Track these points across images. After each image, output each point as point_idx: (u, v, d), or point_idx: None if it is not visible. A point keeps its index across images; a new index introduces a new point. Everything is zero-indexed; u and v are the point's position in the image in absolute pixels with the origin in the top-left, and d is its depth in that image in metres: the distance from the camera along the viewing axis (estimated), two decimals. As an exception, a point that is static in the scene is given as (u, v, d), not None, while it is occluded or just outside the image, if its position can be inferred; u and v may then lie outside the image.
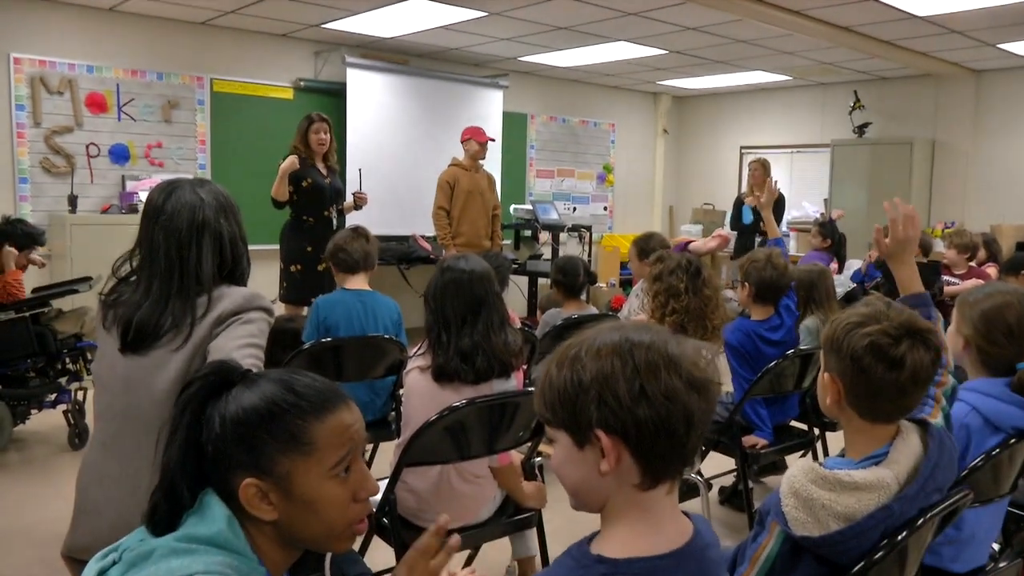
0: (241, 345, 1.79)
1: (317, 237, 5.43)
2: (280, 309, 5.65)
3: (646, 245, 4.68)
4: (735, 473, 3.56)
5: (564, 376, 1.12)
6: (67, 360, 4.73)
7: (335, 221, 5.78)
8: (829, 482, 1.45)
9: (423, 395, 2.50)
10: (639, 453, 1.09)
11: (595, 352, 1.11)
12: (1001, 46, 7.21)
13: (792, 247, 8.23)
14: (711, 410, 1.11)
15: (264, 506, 1.16)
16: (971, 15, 6.15)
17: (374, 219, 7.41)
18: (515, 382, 2.60)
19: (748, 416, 3.47)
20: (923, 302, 1.94)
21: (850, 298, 5.74)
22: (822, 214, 9.07)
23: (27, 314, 4.50)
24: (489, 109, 8.53)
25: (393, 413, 3.62)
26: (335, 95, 7.60)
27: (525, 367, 3.18)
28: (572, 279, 4.25)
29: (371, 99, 7.73)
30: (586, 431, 1.10)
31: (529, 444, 2.67)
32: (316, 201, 5.57)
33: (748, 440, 3.43)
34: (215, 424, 1.14)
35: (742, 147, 10.41)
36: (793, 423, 3.76)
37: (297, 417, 1.15)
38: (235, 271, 1.96)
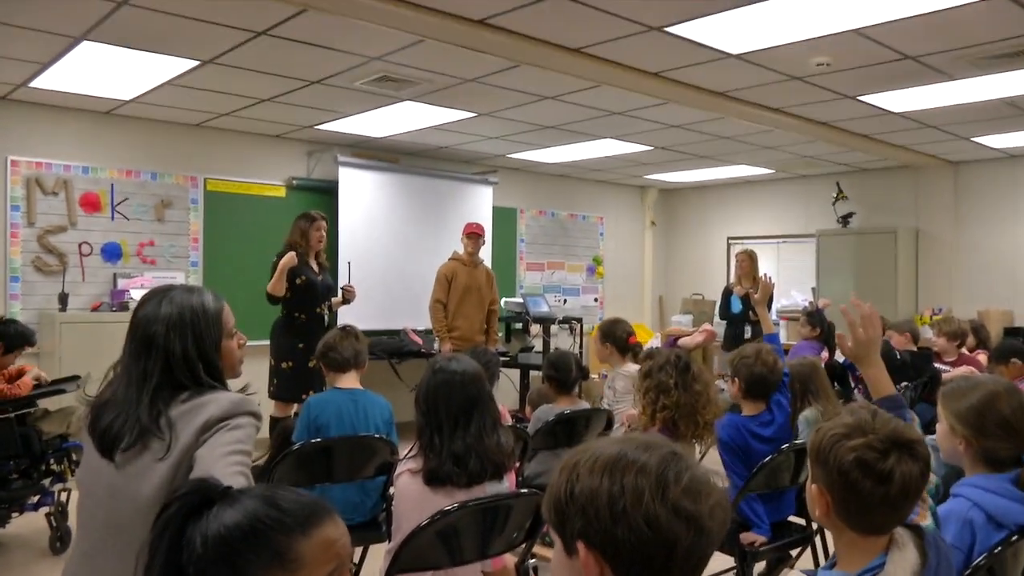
0: (227, 453, 1.76)
1: (309, 334, 5.43)
2: (271, 406, 5.60)
3: (609, 329, 4.70)
4: (734, 573, 3.47)
5: (560, 483, 1.13)
6: (51, 461, 4.63)
7: (327, 318, 5.80)
8: None
9: (414, 499, 2.45)
10: (618, 572, 1.08)
11: (590, 465, 1.12)
12: (975, 139, 7.41)
13: (782, 336, 8.25)
14: (704, 544, 1.09)
15: None
16: (944, 111, 6.34)
17: (366, 313, 7.42)
18: (508, 483, 2.56)
19: (744, 513, 3.41)
20: (896, 404, 1.92)
21: (839, 377, 5.71)
22: (810, 303, 9.13)
23: (12, 414, 4.43)
24: (479, 204, 8.66)
25: (384, 514, 3.55)
26: (327, 192, 7.71)
27: (517, 466, 3.14)
28: (565, 374, 4.23)
29: (362, 196, 7.84)
30: (571, 541, 1.10)
31: (523, 546, 2.61)
32: (309, 298, 5.62)
33: (746, 537, 3.36)
34: (196, 545, 1.10)
35: (729, 238, 10.54)
36: (792, 518, 3.69)
37: (281, 533, 1.11)
38: (213, 374, 1.93)
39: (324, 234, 5.73)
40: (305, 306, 5.61)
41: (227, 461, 1.74)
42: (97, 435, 1.84)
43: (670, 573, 1.07)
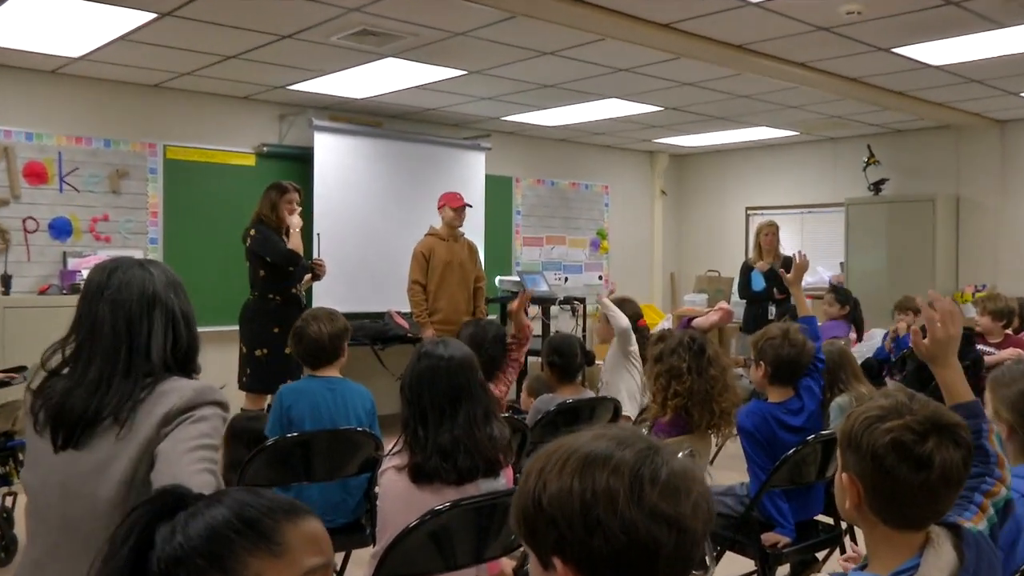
0: (192, 448, 1.76)
1: (285, 317, 5.44)
2: (241, 399, 5.60)
3: (620, 306, 4.72)
4: (755, 576, 3.50)
5: (527, 490, 1.12)
6: (-6, 462, 4.63)
7: (303, 299, 5.81)
8: None
9: (400, 498, 2.46)
10: None
11: (560, 466, 1.11)
12: None
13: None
14: (689, 544, 1.09)
15: None
16: (990, 63, 6.32)
17: (346, 294, 7.42)
18: (505, 480, 2.57)
19: (767, 510, 3.43)
20: (974, 412, 1.85)
21: (871, 372, 5.73)
22: (838, 279, 9.15)
23: (-49, 411, 4.43)
24: (471, 173, 8.64)
25: (367, 515, 3.56)
26: (301, 161, 7.68)
27: (515, 461, 3.15)
28: (568, 360, 4.24)
29: (340, 164, 7.81)
30: (545, 555, 1.10)
31: (522, 549, 2.62)
32: (284, 278, 5.62)
33: (768, 538, 3.38)
34: (175, 542, 1.12)
35: (748, 208, 10.54)
36: (819, 517, 3.71)
37: (269, 517, 1.15)
38: (188, 355, 1.94)
39: (297, 207, 5.73)
40: (280, 286, 5.62)
41: (192, 457, 1.74)
42: (67, 425, 1.83)
43: None
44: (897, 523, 1.54)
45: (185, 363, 1.94)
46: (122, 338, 1.87)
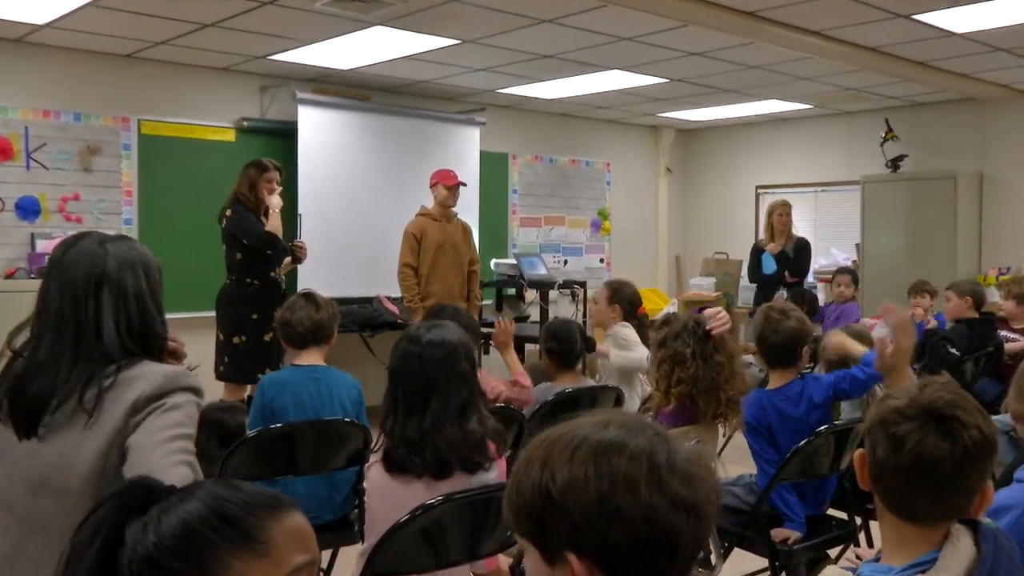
0: (167, 439, 1.76)
1: (264, 302, 5.44)
2: (218, 390, 5.60)
3: (620, 287, 4.72)
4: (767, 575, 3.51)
5: (533, 481, 1.11)
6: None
7: (283, 284, 5.80)
8: None
9: (379, 491, 2.51)
10: None
11: (569, 455, 1.10)
12: (1051, 66, 7.39)
13: (821, 300, 8.28)
14: (703, 532, 1.10)
15: None
16: (1017, 31, 6.30)
17: (332, 278, 7.41)
18: (496, 473, 2.58)
19: (775, 504, 3.44)
20: None
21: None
22: (854, 262, 9.16)
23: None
24: (464, 149, 8.62)
25: (356, 511, 3.57)
26: (284, 136, 7.66)
27: (510, 454, 3.16)
28: (567, 346, 4.24)
29: (326, 140, 7.79)
30: (555, 550, 1.09)
31: (519, 545, 2.62)
32: (262, 261, 5.62)
33: (778, 534, 3.39)
34: (146, 541, 1.10)
35: (758, 186, 10.53)
36: (832, 511, 3.72)
37: (250, 514, 1.13)
38: (146, 338, 1.93)
39: (277, 186, 5.73)
40: (258, 270, 5.62)
41: (166, 449, 1.74)
42: (21, 409, 1.83)
43: (673, 570, 1.08)
44: (897, 511, 1.59)
45: (145, 346, 1.93)
46: (67, 318, 1.87)
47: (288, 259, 5.99)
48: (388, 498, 2.43)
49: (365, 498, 2.63)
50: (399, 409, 2.52)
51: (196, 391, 1.89)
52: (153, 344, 1.94)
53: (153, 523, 1.11)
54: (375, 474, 2.54)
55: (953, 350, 5.44)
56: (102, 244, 1.94)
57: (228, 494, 1.15)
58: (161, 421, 1.79)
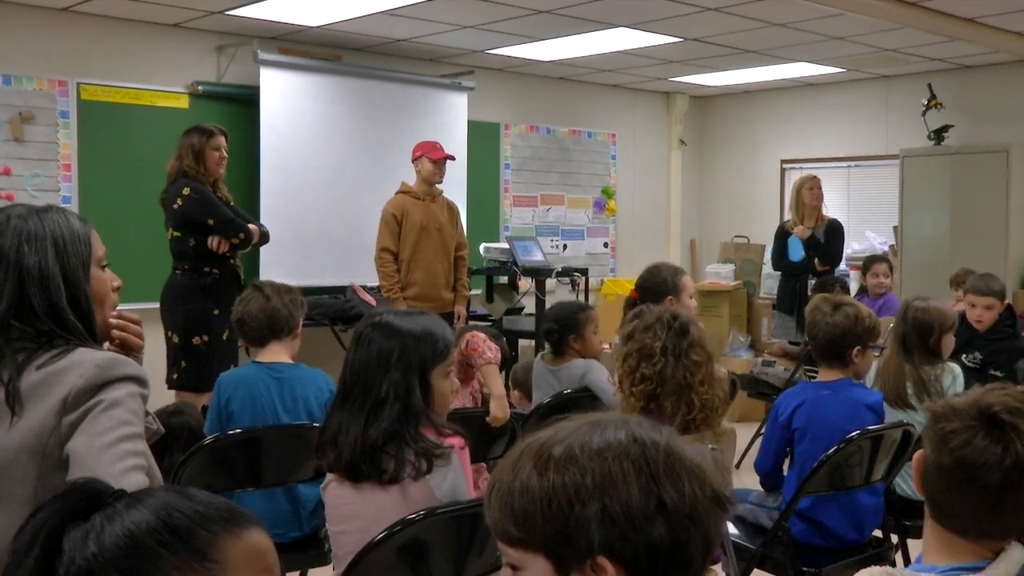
0: (112, 442, 1.75)
1: (224, 295, 5.41)
2: (167, 399, 5.54)
3: (652, 280, 4.70)
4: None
5: (552, 480, 1.13)
6: None
7: (242, 273, 5.74)
8: None
9: (329, 490, 2.61)
10: None
11: (596, 451, 1.13)
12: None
13: (853, 290, 8.29)
14: (722, 530, 1.17)
15: None
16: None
17: (299, 266, 7.40)
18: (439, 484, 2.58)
19: (805, 523, 3.49)
20: None
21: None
22: (891, 247, 9.17)
23: None
24: (450, 118, 8.61)
25: (325, 528, 3.58)
26: (244, 102, 7.65)
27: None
28: (571, 327, 4.32)
29: (292, 107, 7.78)
30: (579, 556, 1.11)
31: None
32: (225, 236, 5.56)
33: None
34: (86, 551, 1.11)
35: (783, 161, 10.53)
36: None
37: (203, 528, 1.14)
38: (58, 321, 1.92)
39: (225, 153, 5.64)
40: (218, 257, 5.57)
41: (114, 454, 1.73)
42: None
43: (702, 571, 1.13)
44: (940, 518, 1.62)
45: (68, 331, 1.91)
46: None
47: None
48: (329, 493, 2.58)
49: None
50: (338, 392, 2.63)
51: (138, 380, 1.88)
52: (72, 328, 1.93)
53: (95, 532, 1.11)
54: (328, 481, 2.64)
55: None
56: (9, 219, 1.95)
57: (180, 504, 1.15)
58: (102, 422, 1.78)
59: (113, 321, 2.08)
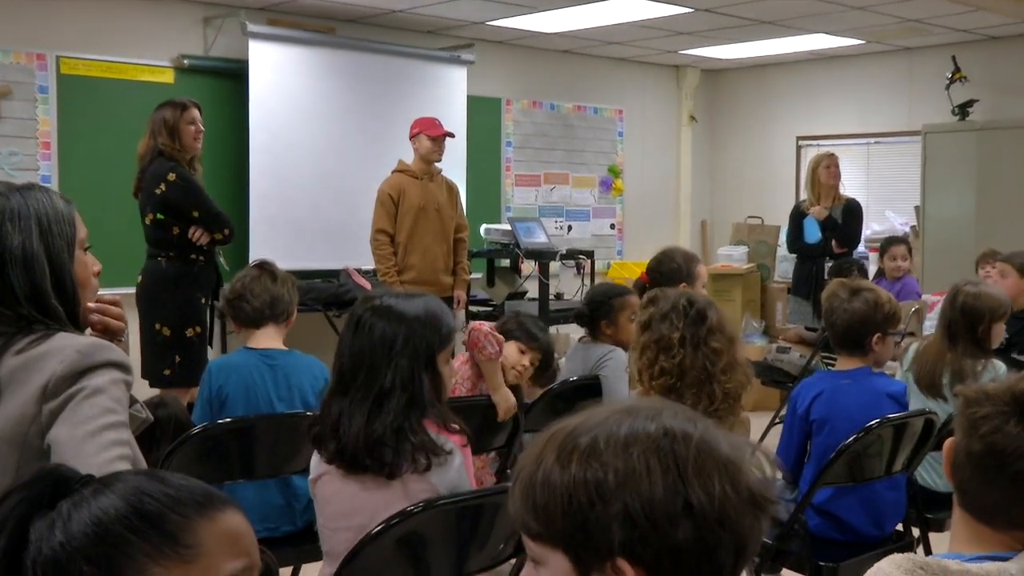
0: (96, 430, 1.75)
1: (209, 283, 5.41)
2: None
3: (665, 265, 4.70)
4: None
5: (573, 475, 1.12)
6: None
7: (221, 258, 5.70)
8: (932, 571, 1.49)
9: (318, 478, 2.62)
10: None
11: (621, 444, 1.12)
12: None
13: (872, 270, 8.29)
14: (762, 535, 1.15)
15: None
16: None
17: (290, 249, 7.39)
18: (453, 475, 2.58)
19: (820, 515, 3.50)
20: None
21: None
22: (913, 227, 9.16)
23: None
24: (449, 93, 8.60)
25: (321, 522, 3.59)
26: (232, 77, 7.64)
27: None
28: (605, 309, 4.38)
29: (283, 82, 7.76)
30: (599, 557, 1.10)
31: (512, 562, 2.65)
32: (208, 228, 5.50)
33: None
34: (53, 539, 1.11)
35: (800, 138, 10.52)
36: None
37: (175, 512, 1.14)
38: (39, 304, 1.92)
39: (201, 127, 5.54)
40: (202, 246, 5.51)
41: (98, 444, 1.74)
42: None
43: None
44: (968, 506, 1.63)
45: (48, 315, 1.92)
46: None
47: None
48: (322, 486, 2.58)
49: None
50: (334, 379, 2.63)
51: (121, 366, 1.89)
52: (53, 312, 1.93)
53: (62, 520, 1.11)
54: (315, 459, 2.64)
55: None
56: (21, 187, 1.97)
57: (151, 488, 1.15)
58: (84, 410, 1.78)
59: (92, 305, 2.08)
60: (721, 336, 3.24)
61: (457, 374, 3.88)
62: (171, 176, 5.37)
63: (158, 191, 5.38)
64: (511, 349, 3.94)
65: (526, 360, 3.99)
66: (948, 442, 1.69)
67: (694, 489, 1.08)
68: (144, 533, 1.11)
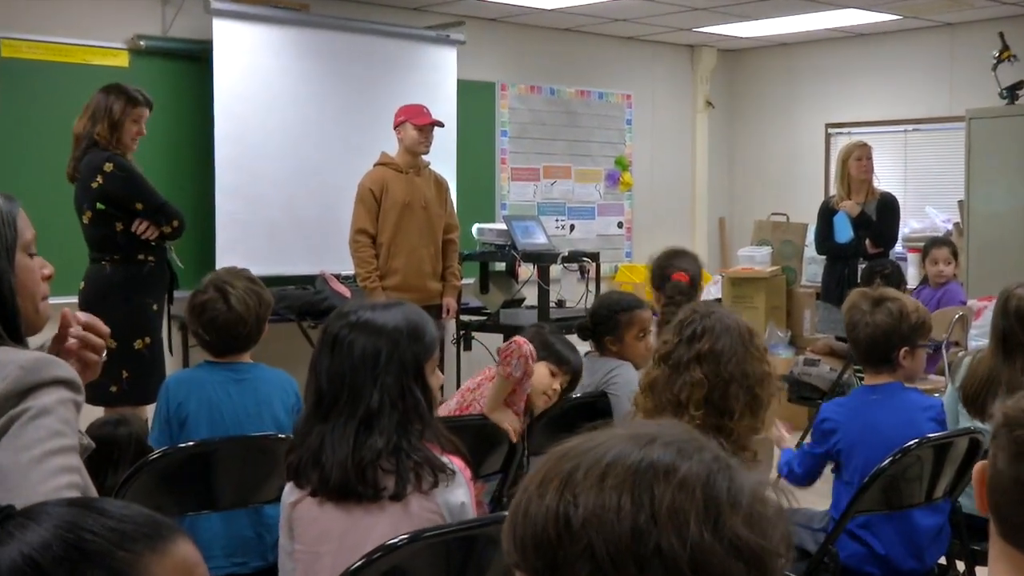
0: (42, 456, 1.75)
1: (160, 288, 5.41)
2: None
3: (667, 263, 4.71)
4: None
5: (547, 506, 1.12)
6: None
7: (174, 256, 5.71)
8: None
9: (294, 511, 2.63)
10: None
11: (598, 475, 1.11)
12: None
13: (911, 276, 8.29)
14: None
15: None
16: None
17: (261, 252, 7.39)
18: (460, 496, 2.59)
19: (853, 545, 3.50)
20: None
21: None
22: (956, 225, 9.16)
23: None
24: (437, 77, 8.61)
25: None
26: (195, 60, 7.65)
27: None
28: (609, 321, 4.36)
29: (251, 65, 7.77)
30: None
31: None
32: (156, 222, 5.50)
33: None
34: None
35: (829, 125, 10.53)
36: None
37: (121, 548, 1.12)
38: None
39: (144, 129, 5.53)
40: (151, 243, 5.52)
41: (44, 471, 1.74)
42: None
43: None
44: (1012, 538, 1.61)
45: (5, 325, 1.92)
46: None
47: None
48: (300, 520, 2.59)
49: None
50: (311, 403, 2.64)
51: (70, 384, 1.88)
52: (12, 321, 1.94)
53: None
54: (288, 489, 2.65)
55: None
56: None
57: (89, 522, 1.13)
58: (29, 433, 1.78)
59: (74, 330, 2.08)
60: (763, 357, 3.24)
61: (477, 390, 3.91)
62: (108, 166, 5.36)
63: (94, 184, 5.38)
64: (541, 371, 3.86)
65: (557, 384, 3.93)
66: (979, 465, 1.69)
67: (665, 532, 1.07)
68: (85, 573, 1.08)
